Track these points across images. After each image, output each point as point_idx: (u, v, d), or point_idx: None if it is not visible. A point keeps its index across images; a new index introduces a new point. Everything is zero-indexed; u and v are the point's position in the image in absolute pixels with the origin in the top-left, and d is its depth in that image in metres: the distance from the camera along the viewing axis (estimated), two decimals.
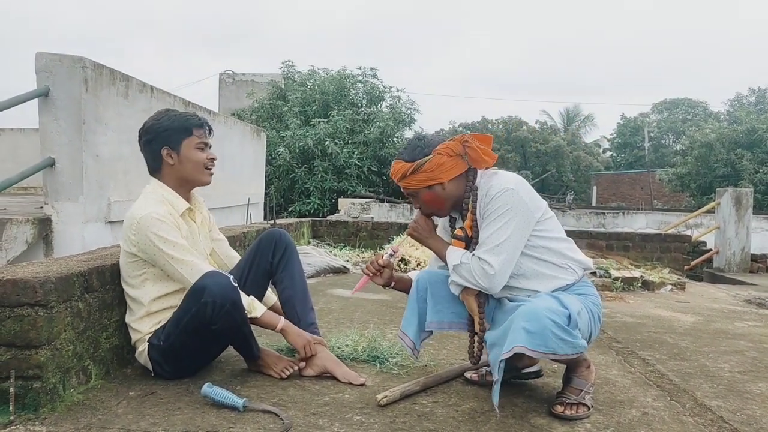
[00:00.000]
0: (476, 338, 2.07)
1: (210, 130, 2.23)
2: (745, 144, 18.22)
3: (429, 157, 1.98)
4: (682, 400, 2.10)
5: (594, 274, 5.07)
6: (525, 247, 1.94)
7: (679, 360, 2.67)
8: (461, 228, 2.03)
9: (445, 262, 2.02)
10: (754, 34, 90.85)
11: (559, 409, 1.89)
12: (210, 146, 2.23)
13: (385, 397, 1.93)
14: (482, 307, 2.01)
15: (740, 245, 7.94)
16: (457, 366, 2.31)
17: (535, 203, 1.96)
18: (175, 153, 2.14)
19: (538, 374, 2.21)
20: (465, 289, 1.99)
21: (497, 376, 1.77)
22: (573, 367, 1.99)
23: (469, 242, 2.01)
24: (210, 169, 2.21)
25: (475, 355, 2.10)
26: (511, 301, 2.01)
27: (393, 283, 2.18)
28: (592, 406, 1.93)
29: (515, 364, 2.12)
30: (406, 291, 2.23)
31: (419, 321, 2.12)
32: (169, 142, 2.14)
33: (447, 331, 2.16)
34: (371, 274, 2.13)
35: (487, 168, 2.03)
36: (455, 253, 1.98)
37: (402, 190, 2.08)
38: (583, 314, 1.88)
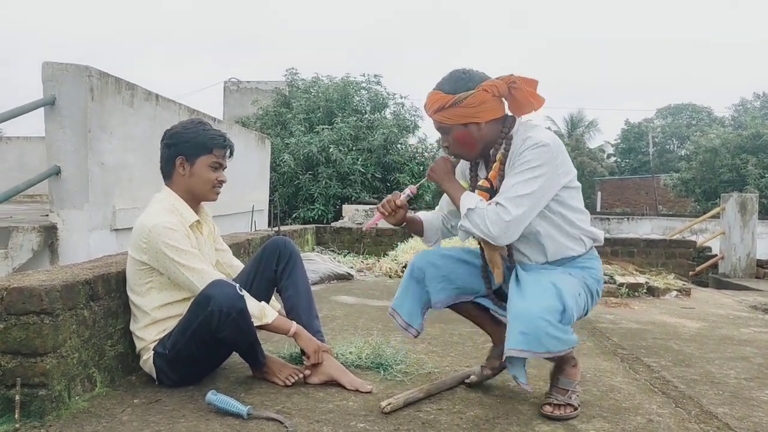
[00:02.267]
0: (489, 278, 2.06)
1: (231, 153, 2.25)
2: (750, 149, 18.18)
3: (472, 91, 1.86)
4: (688, 407, 2.09)
5: None
6: (544, 208, 1.89)
7: (685, 366, 2.66)
8: (486, 179, 1.94)
9: (458, 206, 1.93)
10: (759, 38, 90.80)
11: (548, 409, 1.93)
12: (225, 167, 2.24)
13: (389, 404, 1.92)
14: (504, 261, 1.98)
15: (746, 251, 7.89)
16: (461, 373, 2.31)
17: (566, 168, 1.89)
18: (188, 165, 2.16)
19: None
20: (488, 244, 1.91)
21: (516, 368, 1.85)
22: (560, 364, 2.01)
23: (493, 195, 1.91)
24: (217, 189, 2.22)
25: (492, 285, 2.06)
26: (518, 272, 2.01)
27: (404, 223, 2.10)
28: (579, 406, 1.96)
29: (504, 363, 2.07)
30: (418, 233, 2.19)
31: (412, 299, 2.09)
32: (187, 153, 2.16)
33: (455, 302, 2.12)
34: (387, 213, 2.04)
35: (529, 112, 1.95)
36: (471, 198, 1.88)
37: (434, 124, 1.98)
38: (579, 299, 1.88)
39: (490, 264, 2.00)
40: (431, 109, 1.94)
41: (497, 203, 1.83)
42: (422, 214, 2.24)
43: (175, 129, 2.20)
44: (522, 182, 1.82)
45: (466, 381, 2.23)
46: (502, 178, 1.91)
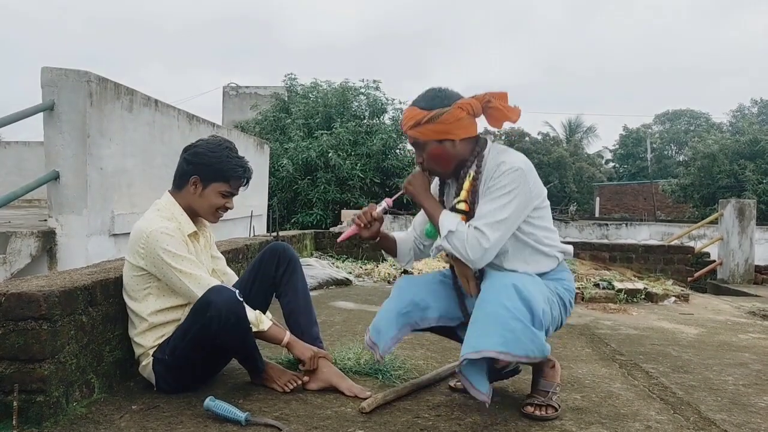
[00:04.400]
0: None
1: (247, 183, 2.26)
2: (748, 155, 18.21)
3: (449, 108, 1.90)
4: (686, 414, 2.09)
5: (597, 285, 5.07)
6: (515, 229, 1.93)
7: (683, 373, 2.66)
8: (465, 202, 1.95)
9: (435, 223, 1.95)
10: (757, 44, 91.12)
11: (530, 409, 1.97)
12: (235, 195, 2.24)
13: (368, 404, 1.97)
14: (475, 274, 2.01)
15: (744, 256, 7.91)
16: (433, 372, 2.34)
17: (537, 190, 1.94)
18: (201, 186, 2.17)
19: (516, 371, 2.23)
20: (459, 262, 1.95)
21: (465, 370, 1.81)
22: (539, 366, 2.03)
23: (469, 215, 1.95)
24: (219, 213, 2.23)
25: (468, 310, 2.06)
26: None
27: (378, 238, 2.10)
28: (559, 406, 2.00)
29: (494, 366, 2.01)
30: (390, 250, 2.19)
31: (386, 322, 2.08)
32: (203, 175, 2.16)
33: (435, 326, 2.13)
34: (362, 225, 2.02)
35: (508, 122, 1.98)
36: (451, 219, 1.90)
37: (409, 139, 2.00)
38: (547, 310, 1.88)
39: (462, 278, 2.03)
40: (407, 125, 1.96)
41: (476, 228, 1.86)
42: (396, 234, 2.25)
43: (200, 148, 2.18)
44: (500, 207, 1.86)
45: (451, 384, 2.25)
46: (474, 198, 1.94)
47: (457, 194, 1.99)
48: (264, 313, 2.23)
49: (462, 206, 1.95)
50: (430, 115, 1.91)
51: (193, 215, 2.22)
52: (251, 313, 2.07)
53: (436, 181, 2.17)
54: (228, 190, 2.19)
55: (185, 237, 2.14)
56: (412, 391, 2.18)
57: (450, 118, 1.90)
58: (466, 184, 1.96)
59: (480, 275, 2.02)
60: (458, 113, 1.91)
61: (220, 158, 2.16)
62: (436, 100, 1.93)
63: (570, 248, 2.10)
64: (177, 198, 2.20)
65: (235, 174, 2.18)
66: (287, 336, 2.18)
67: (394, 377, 2.34)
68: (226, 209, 2.23)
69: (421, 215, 2.18)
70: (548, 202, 2.03)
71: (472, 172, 1.96)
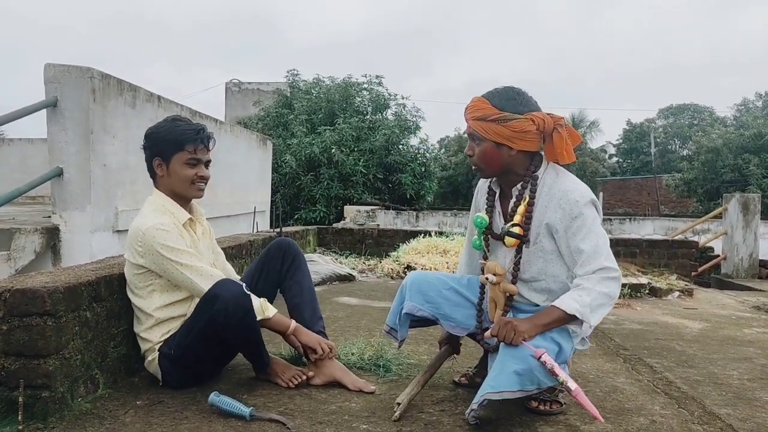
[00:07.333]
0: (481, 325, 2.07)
1: (206, 145, 2.15)
2: (752, 149, 18.15)
3: (519, 117, 1.84)
4: (691, 408, 2.08)
5: None
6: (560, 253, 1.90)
7: (687, 367, 2.65)
8: (519, 226, 1.90)
9: (566, 322, 1.82)
10: (761, 38, 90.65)
11: (534, 404, 1.96)
12: (206, 161, 2.17)
13: (397, 411, 1.88)
14: (509, 303, 1.99)
15: (748, 251, 7.88)
16: (440, 352, 2.24)
17: None
18: (165, 165, 2.13)
19: None
20: (494, 284, 1.94)
21: (477, 407, 1.75)
22: None
23: (523, 240, 1.91)
24: (198, 185, 2.16)
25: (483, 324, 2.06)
26: (516, 308, 2.01)
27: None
28: (564, 403, 1.99)
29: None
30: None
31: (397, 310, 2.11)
32: (161, 153, 2.12)
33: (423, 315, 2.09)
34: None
35: (555, 162, 1.94)
36: (573, 305, 1.76)
37: (467, 128, 1.93)
38: (571, 346, 1.90)
39: (491, 302, 2.01)
40: (472, 115, 1.90)
41: (600, 268, 1.80)
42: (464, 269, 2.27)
43: (150, 129, 2.16)
44: (599, 240, 1.84)
45: (455, 379, 2.26)
46: (528, 220, 1.90)
47: (511, 216, 1.94)
48: None
49: (516, 230, 1.91)
50: (499, 115, 1.85)
51: (182, 200, 2.18)
52: (256, 301, 2.07)
53: (482, 184, 2.13)
54: (191, 157, 2.11)
55: (181, 228, 2.13)
56: (426, 380, 2.11)
57: (516, 126, 1.84)
58: (521, 209, 1.91)
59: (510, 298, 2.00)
60: (526, 125, 1.85)
61: (168, 129, 2.12)
62: (511, 102, 1.87)
63: None
64: (160, 189, 2.18)
65: (187, 137, 2.10)
66: (293, 324, 2.18)
67: (398, 372, 2.34)
68: (202, 179, 2.16)
69: (469, 231, 2.19)
70: None
71: (527, 196, 1.91)
